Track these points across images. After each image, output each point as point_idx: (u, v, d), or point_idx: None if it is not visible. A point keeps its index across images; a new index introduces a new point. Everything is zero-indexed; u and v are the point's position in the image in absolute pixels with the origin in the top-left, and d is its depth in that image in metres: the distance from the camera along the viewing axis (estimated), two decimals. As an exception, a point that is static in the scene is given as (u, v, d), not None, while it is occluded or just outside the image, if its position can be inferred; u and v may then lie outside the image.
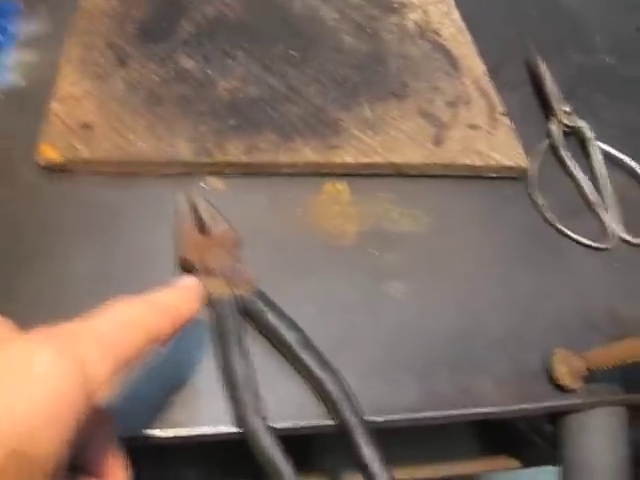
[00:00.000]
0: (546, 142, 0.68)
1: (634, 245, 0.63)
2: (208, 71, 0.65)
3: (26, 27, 0.70)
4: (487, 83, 0.70)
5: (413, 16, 0.76)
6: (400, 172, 0.62)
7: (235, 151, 0.58)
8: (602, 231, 0.63)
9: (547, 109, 0.71)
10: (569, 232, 0.62)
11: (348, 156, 0.60)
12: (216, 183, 0.59)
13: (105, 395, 0.29)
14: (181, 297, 0.37)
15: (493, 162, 0.63)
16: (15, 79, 0.64)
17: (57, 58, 0.65)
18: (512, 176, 0.64)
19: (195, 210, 0.54)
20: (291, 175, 0.60)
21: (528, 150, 0.66)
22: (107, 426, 0.35)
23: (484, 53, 0.75)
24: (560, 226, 0.62)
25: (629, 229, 0.63)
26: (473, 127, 0.65)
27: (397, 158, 0.61)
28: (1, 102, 0.62)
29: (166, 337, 0.34)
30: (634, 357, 0.49)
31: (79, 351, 0.29)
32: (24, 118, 0.61)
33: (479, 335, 0.53)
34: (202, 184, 0.58)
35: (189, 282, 0.39)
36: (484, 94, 0.69)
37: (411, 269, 0.57)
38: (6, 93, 0.63)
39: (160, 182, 0.58)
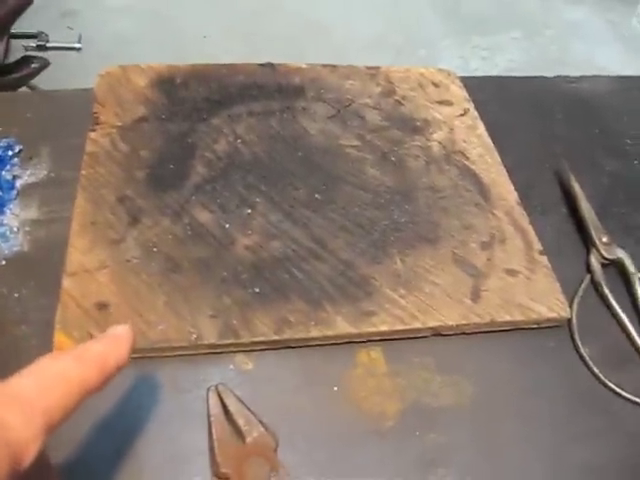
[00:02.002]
0: (587, 278, 0.65)
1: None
2: (226, 225, 0.61)
3: (27, 175, 0.66)
4: (521, 214, 0.66)
5: (437, 136, 0.72)
6: (437, 333, 0.58)
7: (264, 328, 0.55)
8: (651, 382, 0.60)
9: (585, 238, 0.67)
10: (619, 389, 0.58)
11: (383, 324, 0.56)
12: (245, 363, 0.55)
13: (34, 454, 0.29)
14: (109, 346, 0.36)
15: (534, 315, 0.59)
16: (20, 243, 0.60)
17: (64, 214, 0.62)
18: (554, 325, 0.60)
19: (228, 412, 0.50)
20: (322, 345, 0.56)
21: (567, 285, 0.63)
22: None
23: (512, 169, 0.71)
24: (608, 382, 0.58)
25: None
26: (511, 273, 0.61)
27: (434, 321, 0.57)
28: (7, 274, 0.58)
29: (95, 388, 0.34)
30: None
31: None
32: (34, 294, 0.57)
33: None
34: (231, 366, 0.55)
35: (118, 330, 0.38)
36: (519, 229, 0.65)
37: (455, 451, 0.53)
38: (10, 260, 0.59)
39: (185, 365, 0.54)
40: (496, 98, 0.82)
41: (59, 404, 0.31)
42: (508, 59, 2.47)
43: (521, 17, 2.73)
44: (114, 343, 0.37)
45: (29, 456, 0.29)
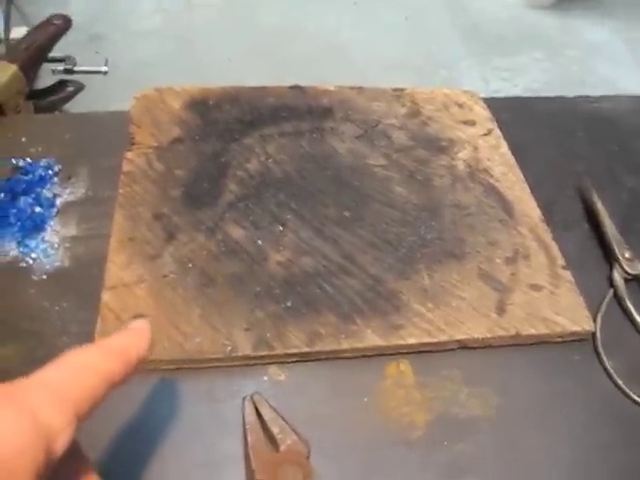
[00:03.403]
0: (610, 292, 0.66)
1: None
2: (259, 242, 0.63)
3: (66, 194, 0.68)
4: (544, 230, 0.68)
5: (462, 154, 0.74)
6: (464, 346, 0.59)
7: (296, 341, 0.57)
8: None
9: (607, 254, 0.69)
10: (641, 400, 0.59)
11: (411, 337, 0.58)
12: (277, 374, 0.57)
13: (66, 443, 0.30)
14: (130, 339, 0.38)
15: (559, 328, 0.61)
16: (60, 258, 0.63)
17: (102, 231, 0.64)
18: (579, 339, 0.62)
19: (262, 421, 0.52)
20: (352, 357, 0.58)
21: (591, 300, 0.64)
22: (88, 475, 0.37)
23: (535, 186, 0.73)
24: (633, 394, 0.60)
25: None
26: (535, 288, 0.63)
27: (461, 334, 0.59)
28: (48, 288, 0.60)
29: (120, 379, 0.35)
30: None
31: (29, 403, 0.30)
32: (74, 307, 0.59)
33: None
34: (265, 377, 0.57)
35: (138, 324, 0.40)
36: (542, 244, 0.66)
37: (483, 461, 0.55)
38: (51, 275, 0.62)
39: (220, 375, 0.56)
40: (519, 118, 0.83)
41: (88, 395, 0.33)
42: (529, 80, 2.48)
43: (541, 38, 2.75)
44: (135, 336, 0.39)
45: (62, 445, 0.30)
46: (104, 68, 1.93)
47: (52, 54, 1.68)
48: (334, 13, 2.70)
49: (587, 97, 0.89)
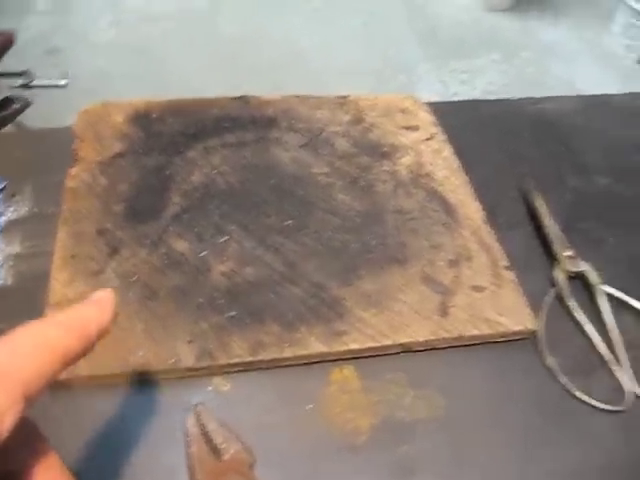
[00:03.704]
0: (552, 292, 0.67)
1: (649, 401, 0.62)
2: (202, 253, 0.64)
3: (10, 212, 0.68)
4: (487, 232, 0.69)
5: (405, 160, 0.75)
6: (408, 349, 0.60)
7: (239, 350, 0.57)
8: (618, 389, 0.62)
9: (549, 253, 0.70)
10: (583, 396, 0.60)
11: (355, 343, 0.58)
12: (222, 384, 0.57)
13: (11, 424, 0.29)
14: (90, 311, 0.36)
15: (502, 328, 0.62)
16: (3, 277, 0.63)
17: (46, 248, 0.64)
18: (522, 338, 0.63)
19: (205, 431, 0.52)
20: (297, 365, 0.59)
21: (534, 300, 0.65)
22: (46, 455, 0.35)
23: (479, 189, 0.74)
24: (573, 390, 0.61)
25: (641, 382, 0.62)
26: (478, 289, 0.64)
27: (404, 338, 0.59)
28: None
29: (76, 355, 0.33)
30: None
31: None
32: (19, 325, 0.59)
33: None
34: (210, 388, 0.57)
35: (99, 295, 0.38)
36: (485, 246, 0.67)
37: (429, 462, 0.55)
38: (-5, 293, 0.61)
39: (165, 388, 0.57)
40: (464, 121, 0.85)
41: (37, 372, 0.31)
42: (487, 82, 2.51)
43: (499, 40, 2.78)
44: (96, 308, 0.36)
45: (6, 427, 0.29)
46: (63, 81, 1.92)
47: (10, 69, 1.67)
48: (293, 20, 2.71)
49: (531, 99, 0.91)
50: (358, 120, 0.79)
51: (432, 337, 0.60)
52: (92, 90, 1.98)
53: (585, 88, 2.43)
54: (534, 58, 2.69)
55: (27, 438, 0.34)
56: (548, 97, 0.92)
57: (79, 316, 0.35)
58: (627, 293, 0.68)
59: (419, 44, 2.71)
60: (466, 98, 2.28)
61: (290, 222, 0.67)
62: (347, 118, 0.79)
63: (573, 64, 2.68)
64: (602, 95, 0.94)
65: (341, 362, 0.60)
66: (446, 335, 0.60)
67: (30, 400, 0.30)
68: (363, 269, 0.64)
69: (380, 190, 0.72)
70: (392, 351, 0.60)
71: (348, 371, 0.59)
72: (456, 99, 1.96)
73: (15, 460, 0.33)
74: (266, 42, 2.58)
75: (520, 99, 0.90)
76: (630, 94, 0.95)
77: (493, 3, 2.99)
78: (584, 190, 0.79)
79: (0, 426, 0.28)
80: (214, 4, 2.74)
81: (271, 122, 0.77)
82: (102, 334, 0.35)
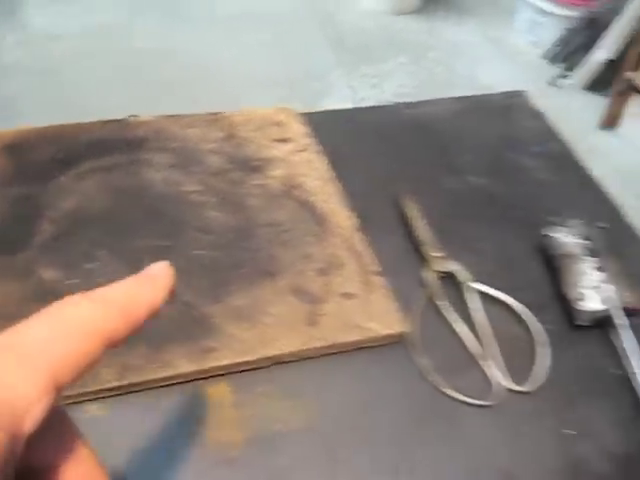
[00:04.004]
0: (422, 293, 0.69)
1: (520, 393, 0.64)
2: (69, 281, 0.63)
3: None
4: (358, 239, 0.70)
5: (276, 172, 0.76)
6: (280, 361, 0.61)
7: (107, 376, 0.57)
8: (488, 385, 0.64)
9: (420, 256, 0.72)
10: (454, 394, 0.62)
11: (225, 359, 0.59)
12: (94, 410, 0.57)
13: (37, 419, 0.24)
14: (139, 288, 0.31)
15: (372, 334, 0.63)
16: None
17: None
18: (393, 341, 0.64)
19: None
20: (169, 385, 0.59)
21: (406, 304, 0.67)
22: (76, 450, 0.30)
23: (353, 197, 0.75)
24: (445, 389, 0.62)
25: (514, 376, 0.64)
26: (347, 296, 0.65)
27: (274, 350, 0.60)
28: None
29: (119, 338, 0.29)
30: None
31: None
32: None
33: None
34: (83, 414, 0.57)
35: (155, 268, 0.33)
36: (355, 253, 0.69)
37: (304, 472, 0.56)
38: None
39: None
40: (339, 130, 0.86)
41: (70, 356, 0.26)
42: (396, 85, 2.55)
43: (408, 42, 2.83)
44: (147, 284, 0.32)
45: (32, 421, 0.24)
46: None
47: None
48: (204, 34, 2.71)
49: (409, 103, 0.93)
50: (231, 136, 0.79)
51: (302, 347, 0.61)
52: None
53: (492, 85, 2.48)
54: (441, 58, 2.74)
55: (56, 429, 0.29)
56: (425, 101, 0.94)
57: (126, 293, 0.30)
58: (500, 289, 0.70)
59: (330, 51, 2.73)
60: (376, 102, 2.32)
61: (160, 243, 0.67)
62: (220, 135, 0.80)
63: (480, 62, 2.74)
64: (479, 95, 0.97)
65: (214, 379, 0.60)
66: (316, 344, 0.61)
67: (61, 389, 0.26)
68: (233, 285, 0.65)
69: (252, 204, 0.72)
70: (263, 364, 0.61)
71: (221, 387, 0.60)
72: (364, 104, 1.98)
73: (43, 453, 0.28)
74: (176, 58, 2.57)
75: (397, 104, 0.92)
76: (505, 93, 0.98)
77: (400, 7, 3.04)
78: (459, 191, 0.81)
79: (24, 421, 0.24)
80: (125, 21, 2.71)
81: (142, 144, 0.77)
82: (152, 314, 0.31)
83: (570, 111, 2.67)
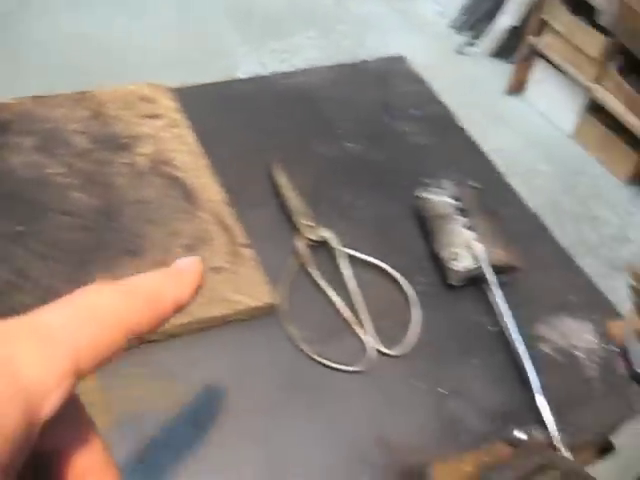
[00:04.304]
0: (294, 263, 0.68)
1: (394, 357, 0.64)
2: None
3: None
4: (227, 213, 0.69)
5: (144, 149, 0.74)
6: (144, 341, 0.60)
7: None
8: (361, 350, 0.64)
9: (292, 226, 0.71)
10: (327, 361, 0.62)
11: (84, 342, 0.57)
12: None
13: (55, 405, 0.23)
14: (167, 280, 0.30)
15: (240, 307, 0.62)
16: None
17: None
18: (264, 313, 0.64)
19: None
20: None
21: (278, 275, 0.66)
22: (92, 443, 0.29)
23: (224, 171, 0.74)
24: (317, 357, 0.62)
25: (387, 340, 0.64)
26: (216, 270, 0.64)
27: (137, 330, 0.59)
28: None
29: (143, 329, 0.28)
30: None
31: (8, 351, 0.23)
32: None
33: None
34: None
35: (184, 263, 0.32)
36: (224, 227, 0.68)
37: (174, 448, 0.55)
38: None
39: None
40: (212, 104, 0.84)
41: (91, 343, 0.25)
42: (306, 59, 2.53)
43: (316, 16, 2.81)
44: (176, 278, 0.31)
45: (49, 406, 0.23)
46: None
47: None
48: (106, 16, 2.64)
49: (284, 73, 0.92)
50: (97, 115, 0.77)
51: (167, 325, 0.60)
52: None
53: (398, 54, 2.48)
54: (350, 31, 2.73)
55: (71, 415, 0.28)
56: (302, 70, 0.93)
57: (153, 285, 0.29)
58: (375, 254, 0.70)
59: (237, 28, 2.69)
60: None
61: (21, 228, 0.65)
62: (86, 114, 0.77)
63: (388, 34, 2.74)
64: (357, 62, 0.97)
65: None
66: (182, 320, 0.60)
67: (81, 375, 0.25)
68: (94, 266, 0.63)
69: (119, 184, 0.71)
70: (130, 345, 0.59)
71: (85, 372, 0.58)
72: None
73: (55, 438, 0.27)
74: (76, 39, 2.50)
75: (274, 74, 0.91)
76: (384, 59, 0.98)
77: (307, -20, 3.01)
78: (334, 158, 0.81)
79: (42, 407, 0.23)
80: (21, 5, 2.62)
81: (6, 127, 0.74)
82: (180, 308, 0.30)
83: (478, 78, 2.70)
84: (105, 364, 0.26)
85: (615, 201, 2.34)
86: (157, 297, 0.29)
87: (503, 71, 2.67)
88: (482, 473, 0.48)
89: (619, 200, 2.35)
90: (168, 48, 2.51)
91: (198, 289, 0.31)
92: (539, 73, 2.55)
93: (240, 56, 2.52)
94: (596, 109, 2.40)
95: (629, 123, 2.23)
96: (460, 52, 2.78)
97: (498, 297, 0.67)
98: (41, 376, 0.23)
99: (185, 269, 0.32)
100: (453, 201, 0.72)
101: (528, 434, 0.43)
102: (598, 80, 2.34)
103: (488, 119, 2.49)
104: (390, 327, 0.66)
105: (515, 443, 0.44)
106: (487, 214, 0.73)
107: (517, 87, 2.63)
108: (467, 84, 2.62)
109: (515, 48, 2.59)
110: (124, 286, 0.28)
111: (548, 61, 2.49)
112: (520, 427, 0.52)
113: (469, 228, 0.70)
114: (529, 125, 2.55)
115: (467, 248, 0.69)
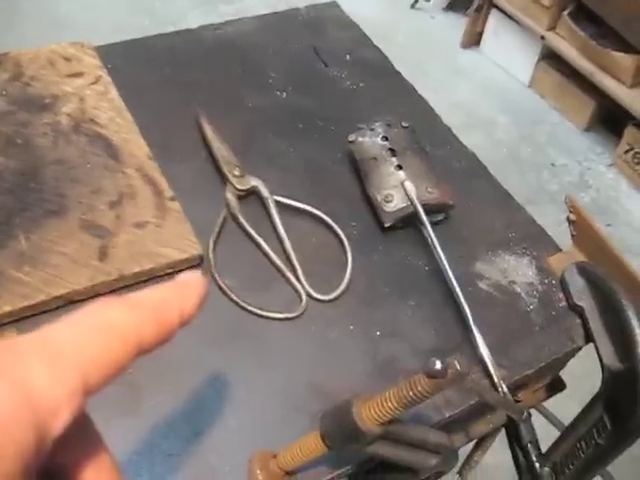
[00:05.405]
0: (223, 213, 0.67)
1: (328, 302, 0.63)
2: None
3: None
4: (152, 167, 0.68)
5: (66, 109, 0.72)
6: (70, 301, 0.58)
7: None
8: (294, 298, 0.63)
9: (221, 177, 0.70)
10: (259, 310, 0.61)
11: (6, 305, 0.56)
12: None
13: (66, 421, 0.24)
14: (172, 294, 0.30)
15: (166, 260, 0.61)
16: None
17: None
18: (191, 265, 0.63)
19: None
20: (-46, 339, 0.56)
21: (206, 227, 0.65)
22: (100, 458, 0.29)
23: (150, 126, 0.73)
24: (248, 306, 0.61)
25: (320, 285, 0.63)
26: (140, 225, 0.63)
27: (61, 290, 0.58)
28: None
29: (150, 343, 0.28)
30: (313, 452, 0.49)
31: (20, 369, 0.23)
32: None
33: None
34: None
35: (189, 277, 0.32)
36: (150, 181, 0.66)
37: (111, 411, 0.54)
38: None
39: None
40: (136, 60, 0.82)
41: (101, 359, 0.26)
42: (256, 21, 2.49)
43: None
44: (179, 291, 0.31)
45: (60, 423, 0.24)
46: None
47: None
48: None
49: (212, 25, 0.90)
50: (17, 76, 0.75)
51: (90, 284, 0.59)
52: None
53: (355, 13, 2.45)
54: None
55: (81, 431, 0.29)
56: (229, 21, 0.91)
57: (158, 299, 0.30)
58: (308, 201, 0.69)
59: (183, -7, 2.65)
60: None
61: (-61, 196, 0.63)
62: (5, 76, 0.75)
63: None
64: (287, 10, 0.95)
65: (2, 327, 0.57)
66: (106, 278, 0.59)
67: (91, 392, 0.25)
68: (17, 228, 0.61)
69: (39, 144, 0.69)
70: (53, 305, 0.58)
71: (10, 334, 0.57)
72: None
73: (65, 454, 0.28)
74: (25, 11, 2.45)
75: (201, 27, 0.89)
76: (314, 5, 0.96)
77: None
78: (264, 108, 0.80)
79: (53, 423, 0.23)
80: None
81: None
82: (184, 322, 0.30)
83: (433, 33, 2.68)
84: (114, 379, 0.26)
85: (574, 148, 2.35)
86: (163, 311, 0.29)
87: (458, 24, 2.65)
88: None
89: (578, 147, 2.35)
90: (117, 15, 2.46)
91: (203, 301, 0.31)
92: (494, 24, 2.54)
93: (190, 21, 2.48)
94: (552, 57, 2.40)
95: (583, 68, 2.23)
96: (415, 7, 2.75)
97: (431, 235, 0.66)
98: (51, 393, 0.24)
99: (188, 281, 0.32)
100: (384, 142, 0.71)
101: (447, 364, 0.43)
102: (552, 28, 2.33)
103: (445, 73, 2.47)
104: (325, 273, 0.65)
105: (435, 374, 0.43)
106: (418, 153, 0.72)
107: (473, 40, 2.61)
108: (423, 39, 2.60)
109: (470, 1, 2.57)
110: (131, 301, 0.29)
111: (502, 12, 2.47)
112: (441, 358, 0.51)
113: (400, 168, 0.69)
114: (486, 77, 2.54)
115: (399, 188, 0.68)
